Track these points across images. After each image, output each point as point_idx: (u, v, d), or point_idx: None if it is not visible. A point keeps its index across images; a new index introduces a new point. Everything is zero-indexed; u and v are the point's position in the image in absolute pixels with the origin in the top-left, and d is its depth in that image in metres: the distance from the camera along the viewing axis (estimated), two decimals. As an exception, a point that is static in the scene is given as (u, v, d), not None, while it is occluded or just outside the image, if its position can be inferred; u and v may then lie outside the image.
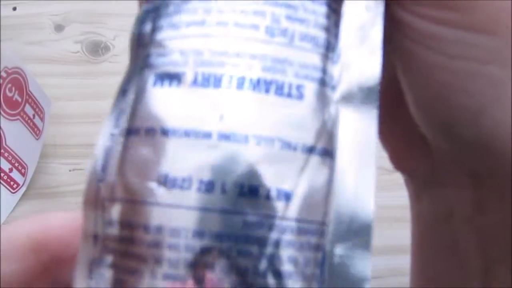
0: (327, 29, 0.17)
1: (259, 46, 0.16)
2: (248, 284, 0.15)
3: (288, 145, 0.16)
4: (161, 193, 0.16)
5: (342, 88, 0.16)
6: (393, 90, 0.20)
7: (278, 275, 0.15)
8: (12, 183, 0.51)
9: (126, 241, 0.16)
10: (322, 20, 0.17)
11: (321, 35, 0.17)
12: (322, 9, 0.17)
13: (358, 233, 0.16)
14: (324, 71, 0.17)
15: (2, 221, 0.52)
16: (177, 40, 0.17)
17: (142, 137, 0.17)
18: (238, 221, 0.15)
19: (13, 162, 0.50)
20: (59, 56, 0.56)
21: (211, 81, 0.16)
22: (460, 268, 0.21)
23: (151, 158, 0.16)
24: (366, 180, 0.16)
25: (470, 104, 0.17)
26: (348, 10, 0.17)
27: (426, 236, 0.23)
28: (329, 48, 0.17)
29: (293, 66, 0.16)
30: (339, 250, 0.16)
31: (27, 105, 0.49)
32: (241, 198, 0.15)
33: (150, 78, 0.18)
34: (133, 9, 0.67)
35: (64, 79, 0.55)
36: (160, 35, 0.18)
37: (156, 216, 0.16)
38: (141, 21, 0.20)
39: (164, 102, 0.17)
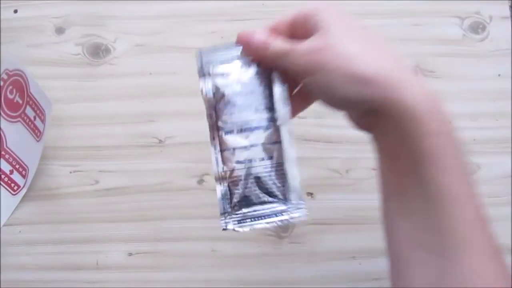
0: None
1: None
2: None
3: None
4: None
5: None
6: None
7: None
8: (13, 185, 0.51)
9: None
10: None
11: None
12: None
13: None
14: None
15: (2, 223, 0.52)
16: None
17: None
18: None
19: (14, 164, 0.50)
20: (60, 59, 0.56)
21: None
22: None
23: None
24: None
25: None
26: None
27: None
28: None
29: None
30: None
31: (28, 107, 0.49)
32: None
33: None
34: (133, 12, 0.67)
35: (65, 81, 0.56)
36: None
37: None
38: None
39: None
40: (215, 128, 0.38)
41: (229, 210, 0.38)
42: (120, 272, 0.51)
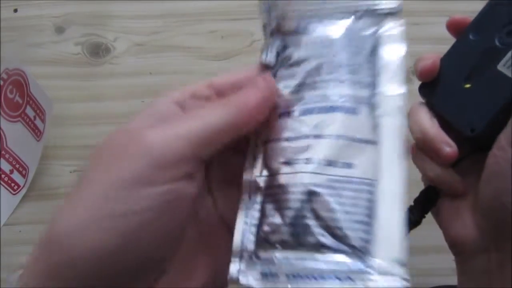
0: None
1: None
2: None
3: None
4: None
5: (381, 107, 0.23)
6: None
7: None
8: (13, 184, 0.51)
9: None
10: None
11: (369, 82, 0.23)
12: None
13: None
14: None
15: (2, 223, 0.52)
16: None
17: None
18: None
19: (14, 163, 0.50)
20: (60, 58, 0.56)
21: None
22: None
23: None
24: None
25: None
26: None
27: None
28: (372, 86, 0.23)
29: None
30: None
31: (28, 106, 0.49)
32: None
33: None
34: (134, 11, 0.67)
35: (65, 81, 0.56)
36: None
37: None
38: None
39: None
40: None
41: (252, 248, 0.21)
42: (121, 271, 0.51)
